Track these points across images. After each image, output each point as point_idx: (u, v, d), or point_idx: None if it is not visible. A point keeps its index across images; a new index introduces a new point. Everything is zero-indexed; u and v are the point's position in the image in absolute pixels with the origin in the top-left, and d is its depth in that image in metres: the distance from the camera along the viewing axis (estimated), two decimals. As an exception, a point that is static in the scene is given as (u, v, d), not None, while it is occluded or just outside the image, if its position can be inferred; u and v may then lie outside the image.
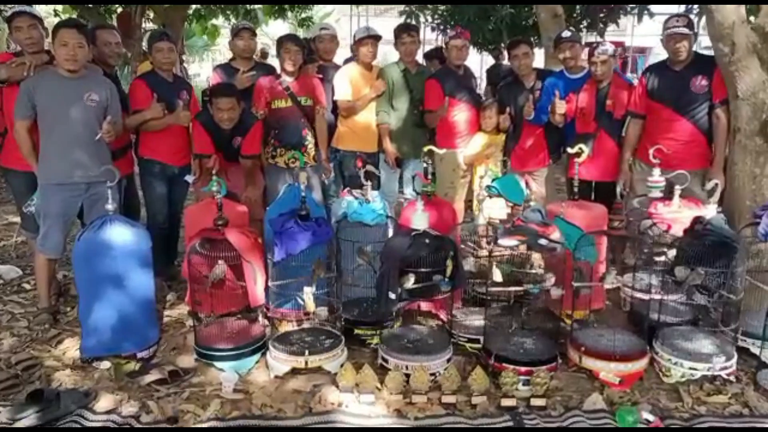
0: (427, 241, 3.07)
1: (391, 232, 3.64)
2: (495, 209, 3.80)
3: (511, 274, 3.21)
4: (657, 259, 3.32)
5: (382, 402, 2.96)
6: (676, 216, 3.48)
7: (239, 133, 4.11)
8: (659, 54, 7.66)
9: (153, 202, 4.28)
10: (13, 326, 3.78)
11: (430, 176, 3.71)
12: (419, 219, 3.13)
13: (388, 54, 7.03)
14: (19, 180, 3.93)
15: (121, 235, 3.26)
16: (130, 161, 4.36)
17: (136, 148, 4.30)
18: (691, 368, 3.09)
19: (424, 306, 3.67)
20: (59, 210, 3.64)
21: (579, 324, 3.40)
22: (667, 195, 3.71)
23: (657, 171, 3.72)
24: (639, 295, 3.51)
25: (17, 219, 4.85)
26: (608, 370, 3.07)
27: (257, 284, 3.29)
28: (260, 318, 3.46)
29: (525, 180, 3.72)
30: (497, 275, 3.11)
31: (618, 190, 3.36)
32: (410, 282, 3.07)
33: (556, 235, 3.17)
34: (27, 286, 4.41)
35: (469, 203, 4.93)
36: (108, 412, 2.87)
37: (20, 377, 3.19)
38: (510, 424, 2.81)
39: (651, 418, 2.84)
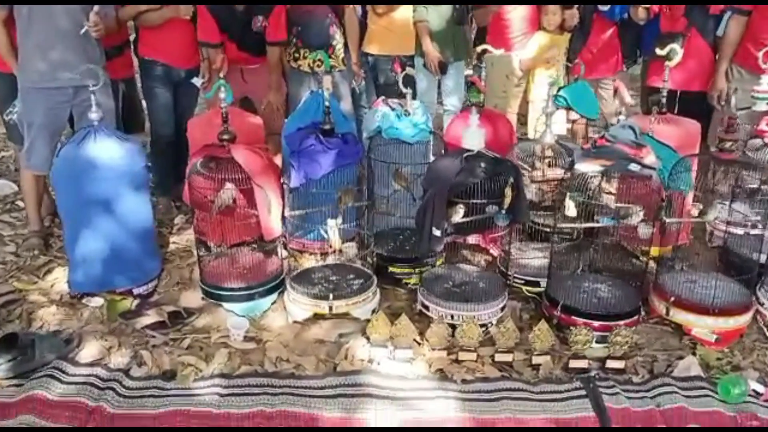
0: (482, 164, 2.42)
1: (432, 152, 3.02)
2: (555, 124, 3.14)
3: (584, 206, 2.58)
4: (766, 188, 2.67)
5: (422, 360, 2.45)
6: (795, 135, 2.79)
7: (259, 11, 3.43)
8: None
9: (156, 111, 3.72)
10: (-1, 251, 3.33)
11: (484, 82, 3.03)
12: (473, 137, 2.47)
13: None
14: (1, 83, 3.37)
15: (108, 150, 2.71)
16: (128, 62, 3.79)
17: (136, 48, 3.70)
18: (806, 325, 2.50)
19: (471, 238, 3.08)
20: (43, 119, 3.16)
21: (659, 264, 2.79)
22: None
23: (766, 78, 2.99)
24: (736, 230, 2.88)
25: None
26: (703, 326, 2.49)
27: (271, 213, 2.73)
28: (278, 249, 2.92)
29: (615, 87, 3.02)
30: (571, 209, 2.48)
31: (733, 102, 2.67)
32: (459, 215, 2.46)
33: (650, 158, 2.50)
34: (21, 204, 3.92)
35: (521, 117, 4.26)
36: (92, 364, 2.42)
37: (-2, 315, 2.76)
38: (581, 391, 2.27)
39: (760, 389, 2.29)
